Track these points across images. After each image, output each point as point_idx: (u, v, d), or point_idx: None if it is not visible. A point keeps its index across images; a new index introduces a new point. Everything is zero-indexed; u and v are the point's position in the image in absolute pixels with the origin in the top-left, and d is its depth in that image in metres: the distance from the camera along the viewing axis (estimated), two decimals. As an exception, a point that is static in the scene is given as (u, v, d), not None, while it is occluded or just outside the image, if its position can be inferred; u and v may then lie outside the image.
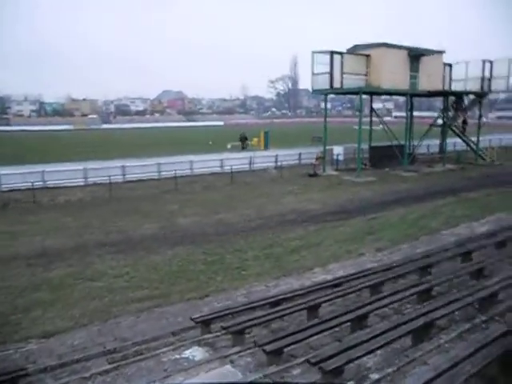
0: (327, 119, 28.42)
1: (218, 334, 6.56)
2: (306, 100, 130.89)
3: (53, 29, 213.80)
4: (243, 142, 38.08)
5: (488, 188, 22.61)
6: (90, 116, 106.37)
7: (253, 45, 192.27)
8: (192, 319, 7.03)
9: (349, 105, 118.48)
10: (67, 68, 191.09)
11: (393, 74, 25.98)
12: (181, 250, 13.88)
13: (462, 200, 19.97)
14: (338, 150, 31.09)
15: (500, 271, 7.80)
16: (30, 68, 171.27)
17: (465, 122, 32.54)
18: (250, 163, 28.54)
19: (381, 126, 44.35)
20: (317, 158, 28.20)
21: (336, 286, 8.23)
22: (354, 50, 27.55)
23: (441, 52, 28.54)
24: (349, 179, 25.57)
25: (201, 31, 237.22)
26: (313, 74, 27.04)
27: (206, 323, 6.88)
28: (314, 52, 26.58)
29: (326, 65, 26.11)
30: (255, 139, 38.92)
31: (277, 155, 29.93)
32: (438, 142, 33.78)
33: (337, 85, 25.96)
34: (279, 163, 30.20)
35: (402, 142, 30.42)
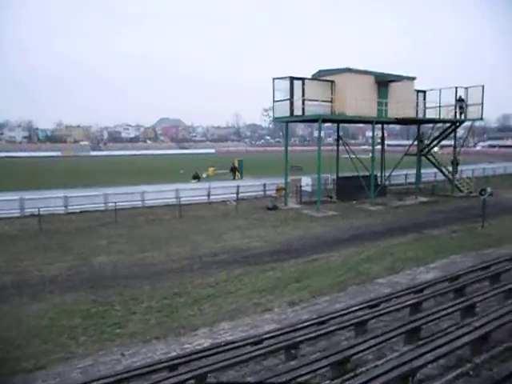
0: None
1: None
2: (301, 129, 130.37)
3: (50, 55, 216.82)
4: (195, 177, 35.47)
5: (456, 223, 20.67)
6: (82, 143, 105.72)
7: (249, 72, 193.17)
8: None
9: (341, 133, 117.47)
10: (63, 95, 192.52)
11: (358, 100, 24.39)
12: (71, 296, 12.01)
13: (421, 238, 17.97)
14: (306, 181, 29.22)
15: (368, 363, 5.74)
16: (23, 93, 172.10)
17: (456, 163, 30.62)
18: (208, 195, 26.67)
19: (370, 154, 42.74)
20: (277, 190, 26.37)
21: (173, 367, 6.20)
22: (318, 76, 26.10)
23: (412, 78, 27.06)
24: (308, 213, 23.63)
25: (197, 61, 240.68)
26: (274, 101, 25.51)
27: None
28: (274, 78, 25.13)
29: (288, 92, 24.60)
30: (211, 169, 37.04)
31: (238, 186, 28.04)
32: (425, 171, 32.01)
33: (298, 112, 24.35)
34: (243, 194, 28.43)
35: (376, 173, 28.77)
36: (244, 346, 6.89)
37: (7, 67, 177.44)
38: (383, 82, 25.73)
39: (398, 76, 26.11)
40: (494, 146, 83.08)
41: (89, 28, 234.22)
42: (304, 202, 26.43)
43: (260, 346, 6.70)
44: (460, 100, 27.65)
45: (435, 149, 32.16)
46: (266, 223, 21.50)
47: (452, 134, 30.04)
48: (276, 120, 26.04)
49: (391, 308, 8.01)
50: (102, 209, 23.82)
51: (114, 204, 23.48)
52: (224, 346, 6.89)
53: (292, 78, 24.21)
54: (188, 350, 7.91)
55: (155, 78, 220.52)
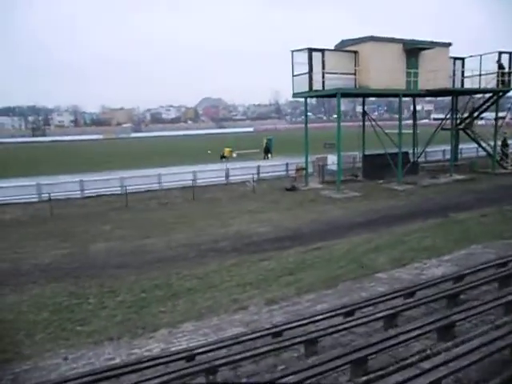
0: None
1: None
2: (344, 104, 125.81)
3: (94, 39, 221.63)
4: (223, 157, 34.56)
5: (490, 205, 18.59)
6: (125, 125, 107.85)
7: (289, 47, 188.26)
8: None
9: (385, 108, 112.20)
10: (111, 79, 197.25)
11: (384, 71, 22.35)
12: (52, 287, 11.57)
13: (445, 223, 16.19)
14: (332, 159, 27.64)
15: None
16: (72, 80, 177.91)
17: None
18: (227, 176, 25.76)
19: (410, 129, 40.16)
20: (297, 170, 25.00)
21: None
22: (341, 46, 24.19)
23: (446, 44, 24.46)
24: (328, 194, 22.19)
25: (237, 37, 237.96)
26: (293, 75, 23.92)
27: None
28: (292, 51, 23.50)
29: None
30: (227, 149, 35.78)
31: (258, 166, 26.95)
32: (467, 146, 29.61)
33: (317, 86, 22.70)
34: (266, 175, 27.37)
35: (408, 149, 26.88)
36: (176, 360, 5.97)
37: (57, 56, 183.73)
38: (413, 51, 23.39)
39: (430, 43, 23.66)
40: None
41: (132, 14, 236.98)
42: (327, 182, 24.93)
43: (191, 363, 5.75)
44: (500, 66, 24.77)
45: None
46: (280, 206, 20.38)
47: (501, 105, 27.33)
48: (295, 95, 24.48)
49: (363, 320, 6.76)
50: (119, 192, 23.50)
51: (130, 187, 23.37)
52: (153, 360, 5.99)
53: (311, 50, 22.51)
54: (132, 358, 7.15)
55: (197, 58, 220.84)
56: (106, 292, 11.01)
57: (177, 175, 25.50)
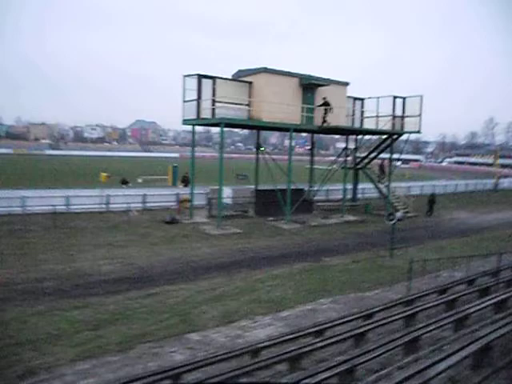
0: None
1: None
2: (275, 137, 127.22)
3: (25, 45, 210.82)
4: (124, 182, 32.20)
5: (367, 249, 18.02)
6: (43, 141, 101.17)
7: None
8: None
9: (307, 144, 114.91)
10: (39, 92, 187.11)
11: (277, 104, 21.43)
12: None
13: (312, 268, 14.96)
14: (226, 192, 26.07)
15: None
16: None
17: (382, 170, 28.17)
18: (106, 203, 23.26)
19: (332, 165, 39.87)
20: (180, 202, 23.11)
21: None
22: (238, 76, 23.11)
23: (344, 83, 24.17)
24: (207, 230, 20.39)
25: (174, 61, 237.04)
26: (184, 101, 22.35)
27: None
28: (184, 76, 22.00)
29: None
30: (103, 174, 33.35)
31: (144, 195, 24.77)
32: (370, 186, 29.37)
33: (206, 115, 21.25)
34: (155, 204, 25.18)
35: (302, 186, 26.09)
36: None
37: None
38: (309, 86, 22.76)
39: (327, 80, 23.20)
40: (461, 163, 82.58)
41: (66, 27, 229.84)
42: (214, 216, 23.18)
43: None
44: (325, 104, 22.77)
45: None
46: (147, 240, 18.26)
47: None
48: (184, 122, 22.82)
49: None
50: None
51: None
52: None
53: (200, 76, 21.13)
54: None
55: (135, 81, 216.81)
56: None
57: (46, 199, 22.55)
